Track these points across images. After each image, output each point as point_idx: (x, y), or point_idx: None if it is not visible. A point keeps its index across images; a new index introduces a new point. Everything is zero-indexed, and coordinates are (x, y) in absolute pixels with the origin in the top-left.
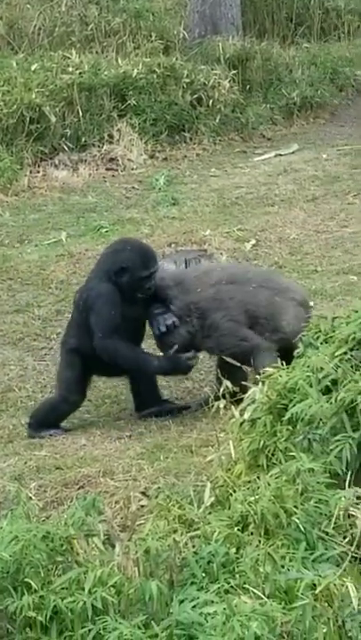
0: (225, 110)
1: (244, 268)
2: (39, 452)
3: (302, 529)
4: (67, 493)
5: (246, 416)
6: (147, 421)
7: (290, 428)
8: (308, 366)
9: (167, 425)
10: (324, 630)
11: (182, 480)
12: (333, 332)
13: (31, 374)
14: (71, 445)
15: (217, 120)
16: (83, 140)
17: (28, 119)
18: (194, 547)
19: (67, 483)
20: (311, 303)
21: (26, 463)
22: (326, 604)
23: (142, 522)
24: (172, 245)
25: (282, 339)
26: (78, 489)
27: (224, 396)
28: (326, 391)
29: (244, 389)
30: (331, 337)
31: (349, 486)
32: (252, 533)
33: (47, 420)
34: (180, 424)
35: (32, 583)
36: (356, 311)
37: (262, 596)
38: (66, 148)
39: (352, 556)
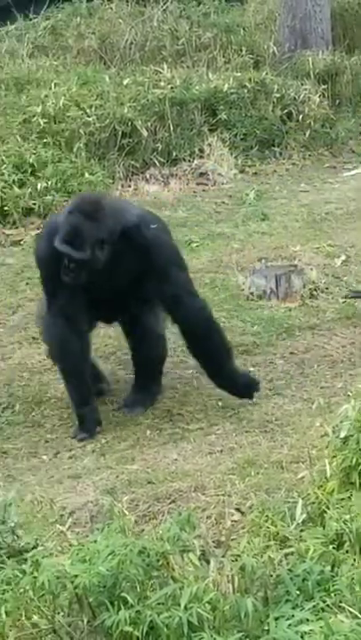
0: (315, 125)
1: None
2: (131, 465)
3: None
4: (159, 508)
5: (342, 435)
6: (238, 436)
7: None
8: None
9: (258, 441)
10: None
11: (273, 496)
12: None
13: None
14: (162, 459)
15: (307, 135)
16: (174, 154)
17: (120, 133)
18: (288, 564)
19: (158, 497)
20: None
21: (118, 477)
22: None
23: (235, 538)
24: (263, 260)
25: None
26: (170, 503)
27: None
28: None
29: None
30: None
31: None
32: (347, 552)
33: None
34: (271, 440)
35: (128, 598)
36: None
37: (359, 615)
38: (157, 163)
39: None
